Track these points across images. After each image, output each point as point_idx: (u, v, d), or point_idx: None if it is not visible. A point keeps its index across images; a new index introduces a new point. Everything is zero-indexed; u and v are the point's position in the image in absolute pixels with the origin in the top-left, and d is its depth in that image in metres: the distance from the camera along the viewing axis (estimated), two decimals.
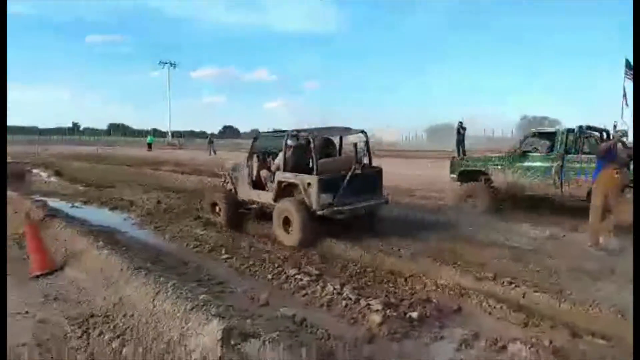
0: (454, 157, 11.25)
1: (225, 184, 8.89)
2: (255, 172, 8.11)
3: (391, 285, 5.27)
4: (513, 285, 4.89)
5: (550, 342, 3.82)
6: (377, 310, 4.35)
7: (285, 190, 7.25)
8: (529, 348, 3.71)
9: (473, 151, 17.79)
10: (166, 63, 67.80)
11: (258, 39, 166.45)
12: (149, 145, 41.46)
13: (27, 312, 4.39)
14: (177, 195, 11.31)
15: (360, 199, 7.10)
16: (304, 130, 7.48)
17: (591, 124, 8.79)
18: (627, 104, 21.90)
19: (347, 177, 6.86)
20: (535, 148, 9.10)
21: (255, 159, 8.17)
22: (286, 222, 6.94)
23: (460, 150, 20.28)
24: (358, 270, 5.75)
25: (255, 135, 8.75)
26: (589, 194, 7.39)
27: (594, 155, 7.63)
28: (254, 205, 8.12)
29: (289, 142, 7.45)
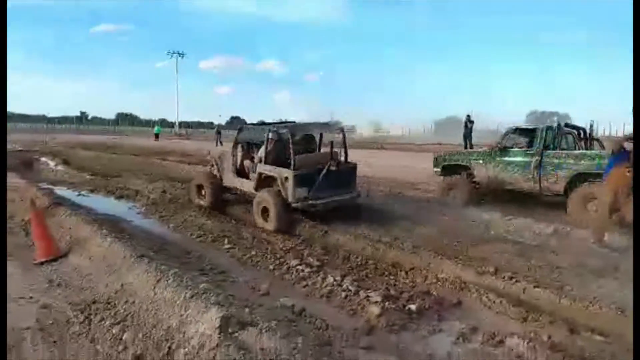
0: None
1: (212, 169, 9.22)
2: (239, 161, 8.56)
3: (392, 277, 5.30)
4: (514, 280, 4.90)
5: (549, 338, 3.83)
6: (376, 302, 4.38)
7: (265, 181, 7.69)
8: (527, 343, 3.72)
9: (480, 145, 17.71)
10: (174, 53, 67.83)
11: (267, 29, 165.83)
12: (156, 135, 41.68)
13: (31, 297, 4.45)
14: (182, 186, 11.33)
15: (334, 193, 7.50)
16: (285, 126, 7.83)
17: (569, 122, 9.49)
18: None
19: (323, 173, 7.28)
20: (515, 144, 9.32)
21: (239, 148, 8.60)
22: (265, 211, 7.37)
23: (467, 143, 20.20)
24: (359, 262, 5.77)
25: (240, 126, 9.16)
26: (566, 189, 8.07)
27: (572, 151, 8.27)
28: (236, 192, 8.62)
29: (271, 136, 7.77)
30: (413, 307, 4.38)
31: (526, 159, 8.74)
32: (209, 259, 5.84)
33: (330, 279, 4.99)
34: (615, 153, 6.55)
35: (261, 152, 7.90)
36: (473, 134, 21.04)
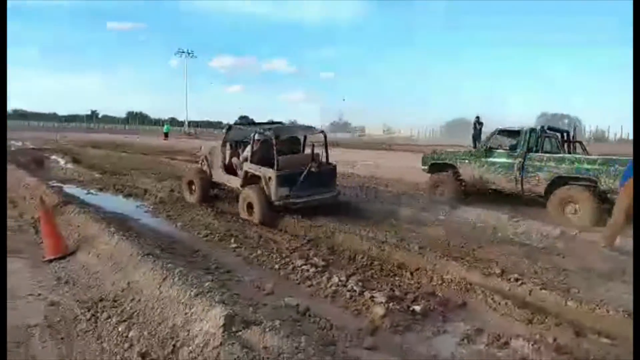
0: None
1: (202, 165, 9.60)
2: (227, 159, 8.97)
3: (397, 278, 5.29)
4: (520, 282, 4.88)
5: (554, 340, 3.81)
6: (381, 303, 4.38)
7: (251, 179, 8.13)
8: (532, 345, 3.71)
9: None
10: (184, 52, 68.15)
11: (278, 29, 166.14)
12: (166, 134, 42.00)
13: (39, 295, 4.50)
14: None
15: (315, 192, 7.96)
16: (270, 128, 8.16)
17: (552, 125, 9.84)
18: None
19: (304, 174, 7.73)
20: (499, 145, 9.61)
21: (228, 146, 9.02)
22: (250, 206, 7.86)
23: (477, 144, 20.10)
24: (365, 263, 5.77)
25: (229, 125, 9.62)
26: (546, 190, 8.35)
27: (553, 155, 8.70)
28: (225, 188, 9.12)
29: (256, 136, 8.19)
30: (418, 308, 4.37)
31: (509, 161, 9.00)
32: (215, 258, 5.87)
33: (335, 279, 5.00)
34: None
35: (247, 152, 8.33)
36: (482, 136, 20.93)
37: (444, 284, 5.10)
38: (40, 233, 6.17)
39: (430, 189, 10.16)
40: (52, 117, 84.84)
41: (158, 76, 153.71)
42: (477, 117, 21.28)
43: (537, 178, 8.52)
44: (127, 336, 3.59)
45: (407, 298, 4.63)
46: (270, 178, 7.66)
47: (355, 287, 4.77)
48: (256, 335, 3.17)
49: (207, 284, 4.22)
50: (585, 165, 7.97)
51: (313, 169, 7.85)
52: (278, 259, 5.81)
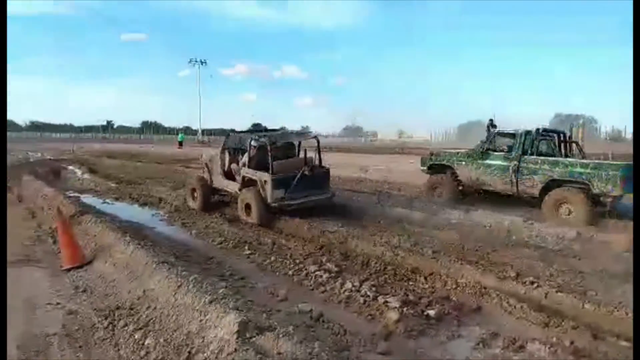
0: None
1: (203, 172, 9.97)
2: (227, 165, 9.40)
3: (411, 283, 5.27)
4: (535, 285, 4.83)
5: (571, 343, 3.77)
6: (395, 308, 4.37)
7: (249, 183, 8.54)
8: (548, 348, 3.67)
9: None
10: (196, 61, 68.81)
11: (289, 35, 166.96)
12: (180, 143, 42.41)
13: (57, 304, 4.58)
14: None
15: (309, 194, 8.32)
16: (265, 135, 8.62)
17: (548, 127, 9.98)
18: None
19: (297, 177, 8.11)
20: (497, 147, 9.84)
21: (227, 154, 9.46)
22: (247, 207, 8.30)
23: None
24: (378, 268, 5.76)
25: (227, 133, 10.09)
26: (541, 192, 8.53)
27: (547, 158, 8.85)
28: (224, 193, 9.50)
29: (253, 143, 8.59)
30: (432, 312, 4.36)
31: (505, 163, 9.24)
32: (229, 265, 5.93)
33: (348, 285, 5.01)
34: None
35: (245, 158, 8.76)
36: None
37: (459, 288, 5.07)
38: (58, 243, 6.28)
39: (429, 190, 10.44)
40: (69, 128, 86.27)
41: (171, 86, 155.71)
42: (491, 120, 21.08)
43: (532, 180, 8.75)
44: (143, 344, 3.64)
45: (421, 302, 4.62)
46: (266, 181, 8.07)
47: (368, 292, 4.78)
48: (270, 341, 3.19)
49: (221, 290, 4.26)
50: (579, 169, 8.17)
51: (306, 172, 8.26)
52: (291, 265, 5.84)
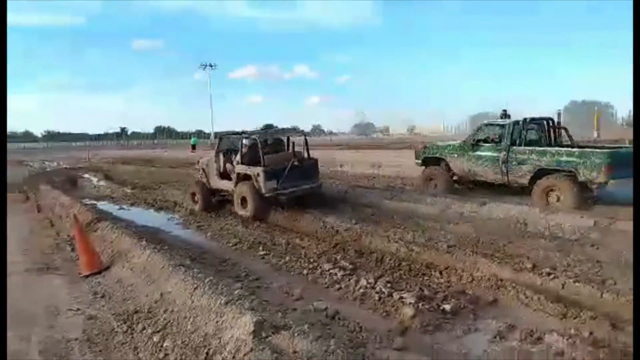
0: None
1: (201, 177, 10.51)
2: (222, 166, 9.92)
3: (426, 278, 5.25)
4: (552, 276, 4.79)
5: (590, 333, 3.72)
6: (410, 303, 4.36)
7: (243, 179, 9.16)
8: (567, 339, 3.63)
9: None
10: (206, 65, 69.25)
11: (298, 35, 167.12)
12: (193, 147, 42.77)
13: (77, 310, 4.66)
14: None
15: (299, 184, 8.98)
16: (255, 133, 9.34)
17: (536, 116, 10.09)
18: None
19: (287, 168, 8.76)
20: (486, 138, 10.00)
21: (221, 155, 9.97)
22: (244, 201, 8.92)
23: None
24: (393, 264, 5.74)
25: (221, 136, 10.76)
26: (530, 181, 8.83)
27: (535, 148, 9.07)
28: (223, 193, 10.03)
29: (245, 142, 9.25)
30: (448, 307, 4.34)
31: (495, 154, 9.52)
32: (244, 266, 5.97)
33: (363, 282, 5.00)
34: None
35: (238, 156, 9.37)
36: None
37: (474, 281, 5.04)
38: (76, 250, 6.38)
39: (424, 182, 10.85)
40: (83, 136, 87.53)
41: (183, 90, 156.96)
42: (504, 110, 20.93)
43: (521, 170, 9.02)
44: (162, 346, 3.68)
45: (437, 297, 4.59)
46: (259, 174, 8.69)
47: (383, 289, 4.77)
48: (286, 340, 3.21)
49: (237, 291, 4.30)
50: (565, 158, 8.45)
51: (295, 164, 8.93)
52: (306, 264, 5.86)
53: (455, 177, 10.46)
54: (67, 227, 7.99)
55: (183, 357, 3.43)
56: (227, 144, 10.27)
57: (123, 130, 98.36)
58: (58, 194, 11.79)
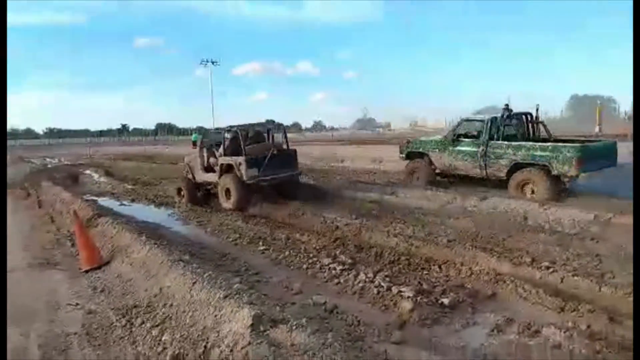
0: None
1: (186, 174, 11.01)
2: (206, 160, 10.45)
3: (425, 272, 5.25)
4: (551, 270, 4.80)
5: (588, 327, 3.73)
6: (409, 297, 4.36)
7: (227, 169, 9.73)
8: (564, 332, 3.64)
9: None
10: (208, 61, 69.02)
11: (300, 31, 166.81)
12: (194, 143, 42.66)
13: (77, 304, 4.68)
14: None
15: (279, 172, 9.59)
16: (236, 127, 9.86)
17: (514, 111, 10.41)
18: None
19: (267, 157, 9.35)
20: (466, 133, 10.53)
21: (205, 150, 10.55)
22: (227, 192, 9.50)
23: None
24: (392, 259, 5.74)
25: (203, 132, 11.60)
26: (507, 174, 9.25)
27: (511, 143, 9.45)
28: (208, 187, 10.54)
29: (227, 135, 9.90)
30: (446, 301, 4.34)
31: (474, 149, 9.88)
32: (243, 261, 5.98)
33: (362, 276, 5.01)
34: None
35: (221, 149, 9.91)
36: None
37: (473, 275, 5.04)
38: (76, 246, 6.40)
39: (407, 175, 11.39)
40: (85, 133, 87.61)
41: (184, 87, 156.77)
42: (506, 105, 20.90)
43: (498, 164, 9.42)
44: (160, 340, 3.70)
45: (436, 291, 4.60)
46: (240, 163, 9.29)
47: (382, 283, 4.77)
48: (284, 333, 3.22)
49: (235, 286, 4.32)
50: (539, 152, 8.86)
51: (274, 152, 9.54)
52: (305, 259, 5.86)
53: (437, 171, 10.84)
54: (68, 223, 8.01)
55: (181, 350, 3.44)
56: (210, 139, 11.03)
57: (124, 127, 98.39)
58: (59, 190, 11.81)
